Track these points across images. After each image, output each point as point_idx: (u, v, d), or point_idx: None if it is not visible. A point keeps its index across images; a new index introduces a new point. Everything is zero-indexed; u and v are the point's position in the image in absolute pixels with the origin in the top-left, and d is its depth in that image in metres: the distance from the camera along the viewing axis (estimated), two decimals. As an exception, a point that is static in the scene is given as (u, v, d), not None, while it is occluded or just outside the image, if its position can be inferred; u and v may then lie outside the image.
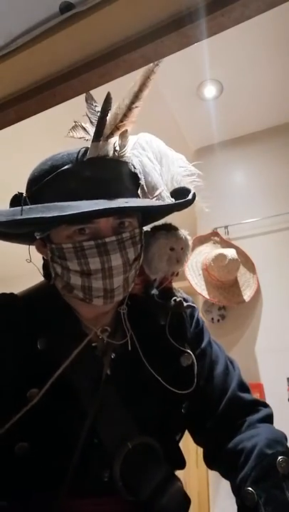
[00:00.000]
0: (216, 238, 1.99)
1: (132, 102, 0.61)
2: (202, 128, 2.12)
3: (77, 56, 0.83)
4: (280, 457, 0.56)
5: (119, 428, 0.59)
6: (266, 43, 1.63)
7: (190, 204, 0.63)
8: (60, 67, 0.84)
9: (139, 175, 0.62)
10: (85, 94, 0.69)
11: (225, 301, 1.85)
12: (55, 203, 0.55)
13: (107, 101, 0.59)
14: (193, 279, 1.87)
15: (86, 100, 0.66)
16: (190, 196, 0.62)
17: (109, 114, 0.59)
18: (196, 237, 1.98)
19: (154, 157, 0.66)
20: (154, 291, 0.69)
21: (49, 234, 0.59)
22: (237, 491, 0.59)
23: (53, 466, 0.56)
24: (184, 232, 0.68)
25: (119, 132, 0.59)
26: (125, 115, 0.60)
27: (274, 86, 1.86)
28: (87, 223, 0.55)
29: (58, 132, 2.36)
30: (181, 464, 0.68)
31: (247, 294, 1.87)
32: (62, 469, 0.55)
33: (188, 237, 0.68)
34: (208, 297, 1.85)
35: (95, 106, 0.63)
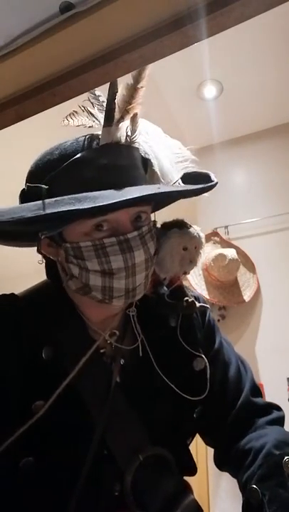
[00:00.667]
0: (216, 238, 2.00)
1: (137, 82, 0.56)
2: (202, 128, 2.12)
3: (77, 56, 0.83)
4: (286, 457, 0.56)
5: (130, 439, 0.56)
6: (266, 43, 1.63)
7: (212, 188, 0.58)
8: (60, 67, 0.84)
9: (153, 160, 0.57)
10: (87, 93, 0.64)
11: (225, 301, 1.86)
12: (85, 194, 0.49)
13: (114, 84, 0.55)
14: (193, 279, 1.87)
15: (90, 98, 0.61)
16: (214, 179, 0.59)
17: (123, 101, 0.55)
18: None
19: (158, 143, 0.61)
20: (165, 291, 0.64)
21: (61, 232, 0.53)
22: (243, 488, 0.59)
23: (61, 482, 0.52)
24: (197, 229, 0.63)
25: (129, 116, 0.55)
26: (132, 96, 0.55)
27: (274, 86, 1.86)
28: (106, 215, 0.50)
29: (56, 132, 2.35)
30: (192, 470, 0.66)
31: (247, 294, 1.87)
32: (71, 485, 0.52)
33: (202, 235, 0.64)
34: (208, 297, 1.85)
35: (98, 95, 0.59)
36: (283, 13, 1.42)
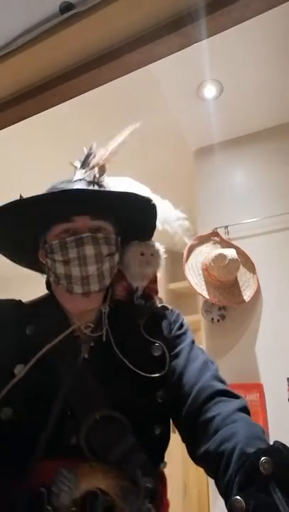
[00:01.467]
0: (216, 238, 1.99)
1: (114, 152, 0.84)
2: (202, 128, 2.12)
3: (77, 56, 0.83)
4: (262, 458, 0.54)
5: (91, 402, 0.69)
6: (266, 43, 1.63)
7: (141, 199, 0.77)
8: (60, 67, 0.84)
9: (108, 188, 0.79)
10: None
11: (225, 301, 1.85)
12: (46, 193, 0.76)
13: (91, 148, 0.85)
14: (193, 279, 1.87)
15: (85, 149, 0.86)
16: (143, 196, 0.78)
17: (95, 155, 0.83)
18: (196, 237, 1.98)
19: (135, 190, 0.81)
20: (136, 298, 0.81)
21: (45, 238, 0.76)
22: (224, 496, 0.58)
23: (30, 431, 0.66)
24: (157, 244, 0.83)
25: (99, 166, 0.80)
26: (107, 158, 0.82)
27: (274, 86, 1.86)
28: (66, 222, 0.73)
29: (57, 131, 2.34)
30: (158, 459, 0.73)
31: (247, 294, 1.87)
32: (38, 435, 0.65)
33: (160, 246, 0.83)
34: (208, 297, 1.85)
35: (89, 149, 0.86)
36: (283, 14, 1.42)
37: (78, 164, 0.83)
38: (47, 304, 0.80)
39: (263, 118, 2.08)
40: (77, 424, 0.66)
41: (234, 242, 1.97)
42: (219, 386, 0.72)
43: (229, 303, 1.86)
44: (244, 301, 1.85)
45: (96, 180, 0.79)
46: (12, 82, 0.88)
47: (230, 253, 1.78)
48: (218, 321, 1.89)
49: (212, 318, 1.89)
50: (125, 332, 0.77)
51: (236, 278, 1.88)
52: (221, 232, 2.01)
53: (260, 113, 2.04)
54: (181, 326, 0.83)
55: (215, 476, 0.62)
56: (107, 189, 0.79)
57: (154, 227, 0.83)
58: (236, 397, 0.71)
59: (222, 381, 0.75)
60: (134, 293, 0.81)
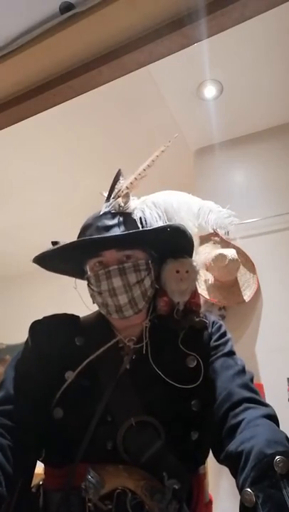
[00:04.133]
0: (216, 238, 1.99)
1: (139, 175, 0.87)
2: (202, 128, 2.12)
3: (78, 56, 0.83)
4: (277, 457, 0.56)
5: (128, 408, 0.74)
6: (266, 43, 1.63)
7: (160, 231, 0.78)
8: (60, 68, 0.84)
9: (137, 220, 0.81)
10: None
11: (225, 301, 1.85)
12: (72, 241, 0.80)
13: (116, 177, 0.86)
14: (193, 279, 1.87)
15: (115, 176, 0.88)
16: (160, 225, 0.79)
17: (121, 183, 0.85)
18: (196, 238, 1.98)
19: (163, 208, 0.84)
20: (177, 312, 0.84)
21: (86, 268, 0.82)
22: (240, 492, 0.60)
23: (74, 430, 0.74)
24: (191, 260, 0.85)
25: (123, 194, 0.84)
26: (132, 184, 0.85)
27: (274, 86, 1.86)
28: (97, 257, 0.79)
29: (57, 132, 2.35)
30: (196, 463, 0.78)
31: (247, 294, 1.87)
32: (80, 434, 0.72)
33: (194, 262, 0.86)
34: (208, 297, 1.85)
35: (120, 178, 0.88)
36: (283, 14, 1.42)
37: (106, 194, 0.86)
38: (97, 319, 0.87)
39: (263, 118, 2.08)
40: (114, 430, 0.72)
41: (234, 242, 1.97)
42: (247, 394, 0.74)
43: (229, 303, 1.86)
44: (244, 301, 1.85)
45: (120, 210, 0.82)
46: (12, 82, 0.88)
47: (230, 253, 1.78)
48: (218, 321, 1.89)
49: (212, 318, 1.89)
50: (163, 345, 0.81)
51: (236, 278, 1.88)
52: (221, 232, 2.01)
53: (260, 113, 2.04)
54: (220, 337, 0.86)
55: (235, 474, 0.64)
56: (133, 217, 0.81)
57: (188, 244, 0.85)
58: (265, 405, 0.73)
59: (253, 390, 0.76)
60: (176, 308, 0.84)
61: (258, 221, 1.97)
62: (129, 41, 0.76)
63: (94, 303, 0.84)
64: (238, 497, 0.61)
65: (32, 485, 0.79)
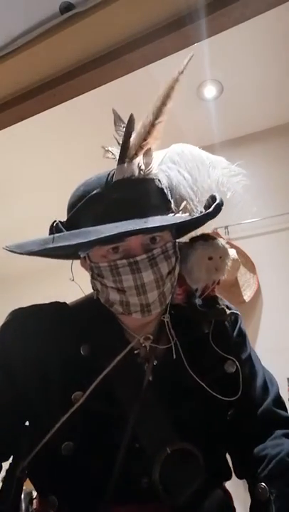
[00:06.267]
0: (216, 238, 1.99)
1: (156, 118, 0.63)
2: (202, 128, 2.12)
3: (78, 56, 0.83)
4: None
5: (159, 433, 0.59)
6: (266, 43, 1.63)
7: (211, 216, 0.63)
8: (60, 68, 0.84)
9: (165, 190, 0.62)
10: (113, 114, 0.70)
11: (225, 301, 1.85)
12: (81, 230, 0.59)
13: (130, 123, 0.60)
14: (193, 279, 1.87)
15: (114, 123, 0.68)
16: (211, 209, 0.63)
17: (133, 134, 0.60)
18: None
19: (185, 168, 0.66)
20: (197, 301, 0.68)
21: (89, 254, 0.62)
22: (252, 489, 0.60)
23: (96, 469, 0.58)
24: (222, 241, 0.69)
25: (142, 151, 0.60)
26: (148, 133, 0.61)
27: (274, 86, 1.86)
28: (117, 243, 0.58)
29: (56, 132, 2.34)
30: (226, 475, 0.67)
31: (247, 294, 1.87)
32: (105, 473, 0.57)
33: (227, 246, 0.70)
34: (208, 297, 1.85)
35: (123, 127, 0.63)
36: (283, 14, 1.42)
37: (116, 153, 0.63)
38: (98, 313, 0.66)
39: (263, 118, 2.07)
40: (146, 462, 0.57)
41: (234, 242, 1.97)
42: (281, 413, 0.68)
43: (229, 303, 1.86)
44: (244, 301, 1.85)
45: (142, 174, 0.60)
46: (12, 82, 0.87)
47: (231, 253, 1.78)
48: (218, 321, 1.89)
49: (212, 318, 1.89)
50: (194, 345, 0.66)
51: (236, 278, 1.88)
52: (221, 232, 2.01)
53: (260, 113, 2.04)
54: (240, 330, 0.74)
55: (252, 477, 0.61)
56: (159, 186, 0.62)
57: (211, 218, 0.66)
58: None
59: (283, 405, 0.70)
60: (193, 296, 0.68)
61: (258, 221, 1.97)
62: (129, 41, 0.76)
63: (96, 297, 0.65)
64: (239, 497, 0.62)
65: None
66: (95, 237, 0.54)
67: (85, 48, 0.79)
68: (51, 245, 0.58)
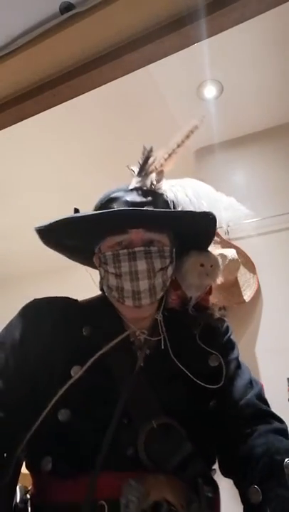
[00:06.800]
0: (216, 238, 1.99)
1: (174, 151, 0.79)
2: (202, 128, 2.11)
3: (77, 56, 0.83)
4: (287, 459, 0.56)
5: (147, 410, 0.68)
6: (266, 43, 1.63)
7: (205, 215, 0.73)
8: (60, 68, 0.84)
9: (169, 202, 0.76)
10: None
11: (225, 302, 1.85)
12: (94, 212, 0.72)
13: (150, 151, 0.76)
14: (193, 279, 1.87)
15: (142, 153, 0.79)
16: (207, 210, 0.74)
17: (152, 159, 0.76)
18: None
19: (193, 193, 0.80)
20: (190, 307, 0.79)
21: (100, 246, 0.74)
22: (244, 492, 0.60)
23: (88, 437, 0.65)
24: (214, 253, 0.80)
25: (157, 171, 0.77)
26: (166, 160, 0.78)
27: (274, 86, 1.86)
28: (120, 234, 0.70)
29: (56, 132, 2.34)
30: (212, 466, 0.72)
31: (247, 294, 1.87)
32: (95, 442, 0.64)
33: (219, 258, 0.81)
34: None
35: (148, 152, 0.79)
36: (283, 14, 1.42)
37: (136, 169, 0.78)
38: (102, 305, 0.78)
39: (263, 118, 2.08)
40: (133, 434, 0.65)
41: (234, 242, 1.97)
42: (262, 407, 0.73)
43: (229, 303, 1.86)
44: (244, 301, 1.85)
45: (153, 188, 0.76)
46: (12, 82, 0.88)
47: (231, 253, 1.78)
48: (218, 321, 1.88)
49: (212, 318, 1.89)
50: (182, 341, 0.76)
51: (236, 278, 1.88)
52: (221, 232, 2.02)
53: (260, 113, 2.04)
54: (230, 339, 0.83)
55: (241, 479, 0.63)
56: (165, 199, 0.76)
57: (211, 237, 0.80)
58: (279, 420, 0.72)
59: (266, 402, 0.75)
60: (187, 302, 0.79)
61: (258, 221, 1.97)
62: (129, 41, 0.76)
63: (101, 287, 0.77)
64: (238, 497, 0.61)
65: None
66: (102, 211, 0.68)
67: (84, 48, 0.79)
68: (71, 216, 0.70)
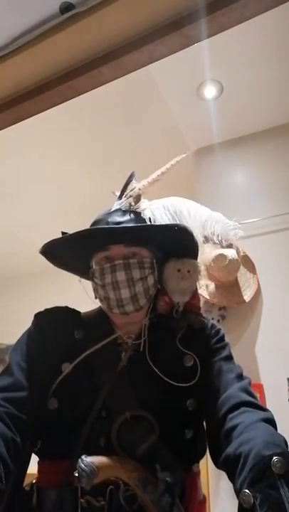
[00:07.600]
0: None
1: (153, 180, 0.91)
2: (202, 128, 2.12)
3: (78, 56, 0.83)
4: (275, 458, 0.56)
5: (124, 403, 0.76)
6: (266, 43, 1.63)
7: (173, 227, 0.81)
8: (60, 68, 0.84)
9: (146, 219, 0.85)
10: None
11: (225, 302, 1.85)
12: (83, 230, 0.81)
13: (130, 177, 0.89)
14: (193, 279, 1.87)
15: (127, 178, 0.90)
16: (176, 223, 0.84)
17: (133, 184, 0.88)
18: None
19: (173, 211, 0.88)
20: (176, 312, 0.86)
21: (92, 263, 0.84)
22: (237, 494, 0.60)
23: (70, 426, 0.74)
24: (192, 259, 0.87)
25: (136, 194, 0.87)
26: (144, 186, 0.89)
27: (274, 86, 1.86)
28: (104, 251, 0.81)
29: (56, 132, 2.34)
30: (190, 461, 0.78)
31: (247, 294, 1.87)
32: (76, 431, 0.73)
33: (197, 263, 0.88)
34: (208, 297, 1.85)
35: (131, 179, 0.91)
36: (283, 14, 1.42)
37: (118, 193, 0.89)
38: (97, 313, 0.89)
39: (263, 118, 2.07)
40: (107, 426, 0.74)
41: (234, 242, 1.97)
42: (246, 398, 0.74)
43: (229, 303, 1.86)
44: (244, 301, 1.85)
45: (131, 208, 0.85)
46: (12, 82, 0.88)
47: (231, 253, 1.78)
48: (219, 321, 1.89)
49: (212, 319, 1.89)
50: (160, 343, 0.83)
51: (236, 278, 1.88)
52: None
53: (260, 113, 2.04)
54: (219, 340, 0.87)
55: (233, 476, 0.64)
56: (142, 217, 0.85)
57: (193, 246, 0.87)
58: (263, 409, 0.73)
59: (252, 394, 0.77)
60: (175, 308, 0.86)
61: (258, 221, 1.97)
62: (129, 41, 0.76)
63: (96, 298, 0.85)
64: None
65: (25, 483, 0.79)
66: (83, 230, 0.78)
67: (85, 48, 0.79)
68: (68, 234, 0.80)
